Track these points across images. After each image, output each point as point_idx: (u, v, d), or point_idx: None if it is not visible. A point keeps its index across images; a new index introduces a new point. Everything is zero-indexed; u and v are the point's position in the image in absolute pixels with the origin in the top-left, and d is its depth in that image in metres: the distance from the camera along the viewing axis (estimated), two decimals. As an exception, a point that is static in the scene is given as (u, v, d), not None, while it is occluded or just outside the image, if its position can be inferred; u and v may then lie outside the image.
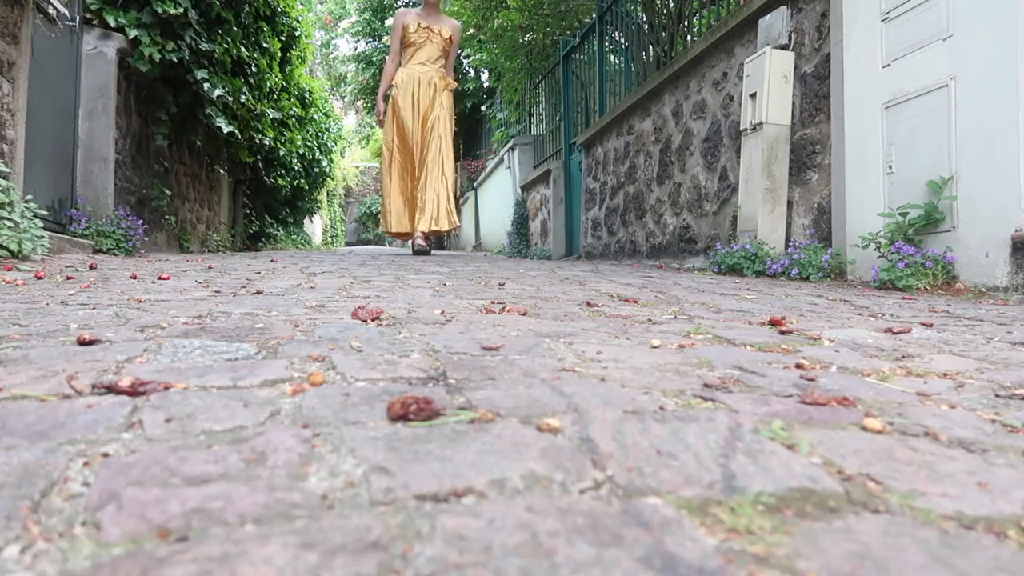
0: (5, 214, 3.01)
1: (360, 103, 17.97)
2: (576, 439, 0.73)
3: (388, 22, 14.83)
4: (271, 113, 7.10)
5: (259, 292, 2.19)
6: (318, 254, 6.97)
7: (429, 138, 6.56)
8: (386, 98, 6.83)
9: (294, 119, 8.56)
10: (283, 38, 7.59)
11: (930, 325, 1.77)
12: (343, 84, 18.44)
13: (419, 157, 6.56)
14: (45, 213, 3.85)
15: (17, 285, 2.15)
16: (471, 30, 10.17)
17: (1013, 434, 0.81)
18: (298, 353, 1.16)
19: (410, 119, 6.58)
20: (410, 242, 6.80)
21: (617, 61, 7.56)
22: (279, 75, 7.45)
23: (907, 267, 2.93)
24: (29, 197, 3.36)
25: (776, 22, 4.11)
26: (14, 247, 2.91)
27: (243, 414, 0.79)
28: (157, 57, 4.79)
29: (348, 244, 22.97)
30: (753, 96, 4.10)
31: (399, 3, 14.72)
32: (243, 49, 6.00)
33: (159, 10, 4.72)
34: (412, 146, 6.57)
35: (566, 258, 8.20)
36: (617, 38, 7.49)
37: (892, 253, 3.04)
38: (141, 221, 4.65)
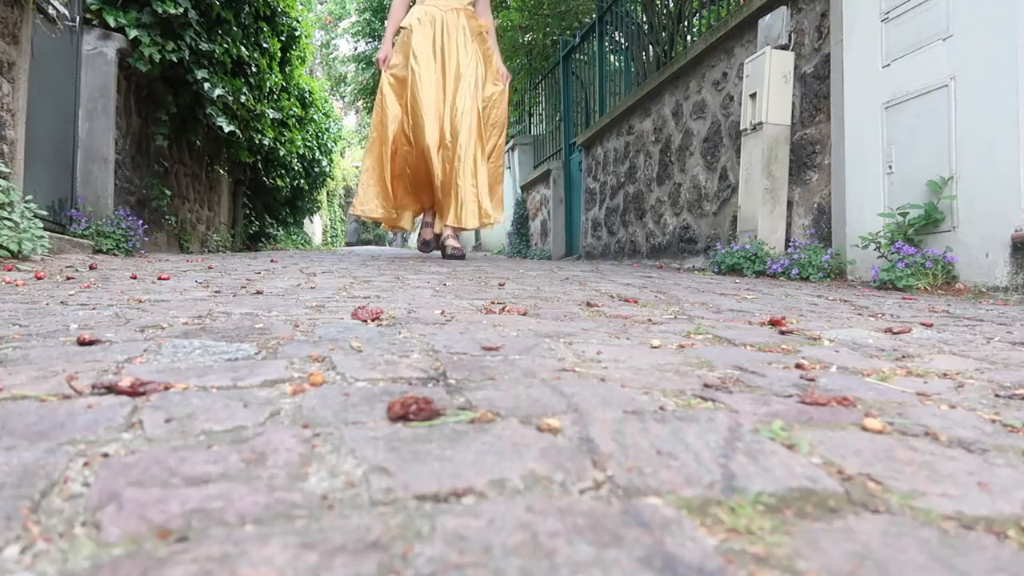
0: (5, 214, 3.01)
1: (360, 103, 17.97)
2: (576, 439, 0.73)
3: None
4: (271, 113, 7.10)
5: (259, 292, 2.19)
6: (318, 254, 6.97)
7: (462, 108, 4.77)
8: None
9: (294, 119, 8.57)
10: (283, 38, 7.60)
11: (930, 325, 1.77)
12: (343, 84, 18.43)
13: (444, 129, 4.76)
14: (45, 213, 3.85)
15: (17, 285, 2.14)
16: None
17: (1013, 434, 0.81)
18: (298, 353, 1.16)
19: (430, 76, 4.76)
20: (418, 238, 5.16)
21: (617, 61, 7.56)
22: (279, 75, 7.46)
23: (907, 267, 2.93)
24: (29, 197, 3.36)
25: (776, 22, 4.12)
26: (14, 247, 2.91)
27: (243, 414, 0.79)
28: (157, 57, 4.79)
29: (348, 244, 22.98)
30: (753, 96, 4.10)
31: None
32: (243, 49, 6.00)
33: (159, 10, 4.72)
34: (427, 114, 4.71)
35: (566, 258, 8.20)
36: (617, 38, 7.49)
37: (892, 253, 3.04)
38: (141, 221, 4.65)
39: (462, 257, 4.98)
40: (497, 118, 5.10)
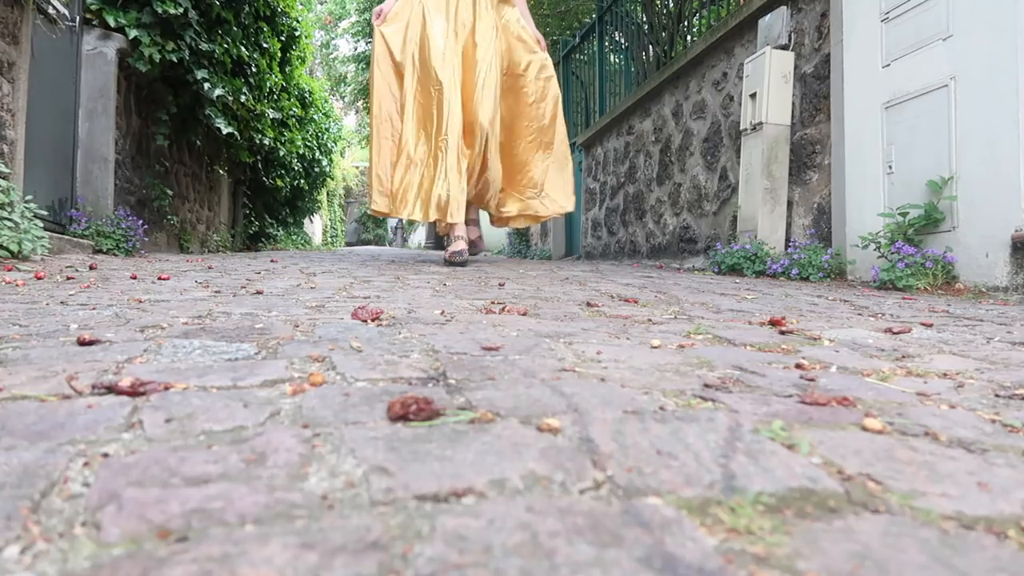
0: (5, 214, 3.01)
1: (360, 103, 17.97)
2: (576, 439, 0.73)
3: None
4: (271, 113, 7.11)
5: (259, 292, 2.19)
6: (318, 254, 6.97)
7: (482, 84, 4.00)
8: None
9: (294, 119, 8.56)
10: (283, 38, 7.60)
11: (930, 325, 1.77)
12: (343, 84, 18.43)
13: (455, 110, 3.93)
14: (45, 213, 3.85)
15: (17, 285, 2.14)
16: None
17: (1013, 434, 0.81)
18: (298, 353, 1.16)
19: (440, 46, 3.99)
20: (447, 242, 4.21)
21: (617, 61, 7.57)
22: (279, 75, 7.46)
23: (907, 267, 2.93)
24: (29, 197, 3.36)
25: (776, 22, 4.12)
26: (14, 247, 2.91)
27: (243, 414, 0.79)
28: (157, 57, 4.79)
29: (348, 244, 22.98)
30: (753, 96, 4.10)
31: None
32: (243, 49, 6.00)
33: (159, 10, 4.72)
34: (441, 90, 3.89)
35: (566, 258, 8.20)
36: (617, 38, 7.49)
37: (892, 253, 3.04)
38: (141, 221, 4.65)
39: (464, 264, 4.16)
40: (546, 88, 4.33)
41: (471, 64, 4.06)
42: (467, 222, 4.15)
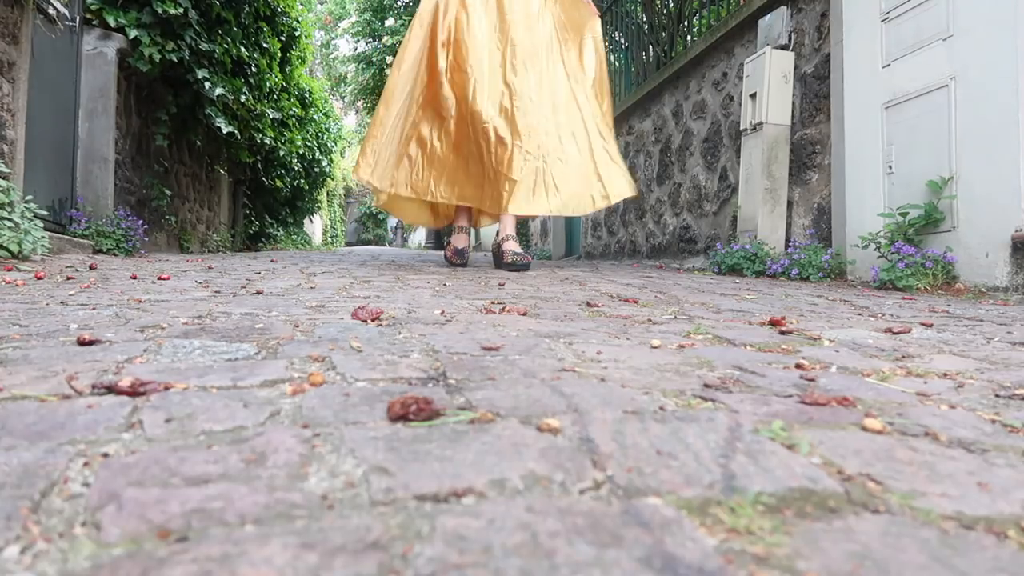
0: (5, 214, 3.01)
1: (360, 103, 17.96)
2: (576, 439, 0.73)
3: (388, 22, 14.74)
4: (271, 113, 7.11)
5: (259, 292, 2.19)
6: (318, 254, 6.97)
7: (524, 67, 3.63)
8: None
9: (294, 119, 8.56)
10: (283, 38, 7.60)
11: (930, 325, 1.77)
12: (343, 84, 18.43)
13: (488, 98, 3.58)
14: (45, 213, 3.85)
15: (17, 285, 2.14)
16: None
17: (1013, 434, 0.81)
18: (298, 353, 1.16)
19: (480, 18, 3.67)
20: (446, 246, 4.04)
21: (617, 61, 7.57)
22: (279, 75, 7.46)
23: (907, 267, 2.93)
24: (29, 197, 3.36)
25: (776, 22, 4.12)
26: (14, 247, 2.91)
27: (243, 414, 0.79)
28: (157, 57, 4.79)
29: (348, 244, 22.97)
30: (753, 96, 4.10)
31: (399, 3, 14.70)
32: (243, 49, 6.00)
33: (159, 10, 4.72)
34: (474, 77, 3.58)
35: (566, 258, 8.20)
36: (617, 38, 7.49)
37: (892, 253, 3.04)
38: (141, 221, 4.65)
39: (526, 267, 3.68)
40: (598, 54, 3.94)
41: (518, 45, 3.69)
42: (505, 238, 3.80)
